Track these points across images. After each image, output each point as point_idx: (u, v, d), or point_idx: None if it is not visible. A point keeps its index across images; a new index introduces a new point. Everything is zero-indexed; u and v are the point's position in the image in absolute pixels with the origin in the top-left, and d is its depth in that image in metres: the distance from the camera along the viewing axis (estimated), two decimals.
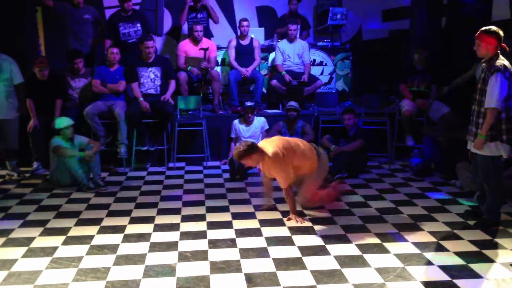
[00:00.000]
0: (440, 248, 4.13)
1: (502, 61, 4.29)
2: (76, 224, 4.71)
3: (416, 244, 4.19)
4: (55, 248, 4.14)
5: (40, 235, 4.45)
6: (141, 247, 4.15)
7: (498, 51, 4.33)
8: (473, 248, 4.12)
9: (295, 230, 4.50)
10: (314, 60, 8.37)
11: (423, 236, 4.38)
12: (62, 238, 4.37)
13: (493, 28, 4.30)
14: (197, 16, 7.97)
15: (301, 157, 4.80)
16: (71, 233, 4.50)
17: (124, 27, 7.39)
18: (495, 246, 4.16)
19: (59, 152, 5.78)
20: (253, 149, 4.60)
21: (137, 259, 3.93)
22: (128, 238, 4.35)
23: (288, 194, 4.78)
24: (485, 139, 4.33)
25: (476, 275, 3.63)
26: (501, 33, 4.29)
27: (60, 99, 6.60)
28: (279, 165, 4.64)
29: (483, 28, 4.34)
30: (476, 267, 3.76)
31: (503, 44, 4.31)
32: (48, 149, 6.02)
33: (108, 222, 4.77)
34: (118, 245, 4.20)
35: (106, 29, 7.53)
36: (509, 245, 4.13)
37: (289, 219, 4.77)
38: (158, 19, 8.27)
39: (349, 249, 4.10)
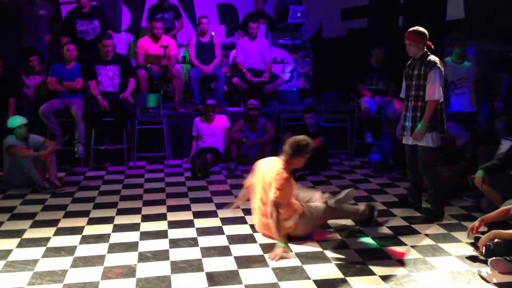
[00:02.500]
0: (398, 242, 4.21)
1: (433, 57, 4.58)
2: (32, 226, 4.57)
3: (375, 239, 4.27)
4: (9, 251, 4.00)
5: None
6: (99, 248, 4.06)
7: (426, 49, 4.61)
8: (430, 242, 4.22)
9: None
10: (275, 58, 8.40)
11: (382, 231, 4.47)
12: (16, 240, 4.23)
13: (420, 28, 4.59)
14: (163, 17, 7.85)
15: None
16: (26, 235, 4.35)
17: (81, 24, 7.22)
18: (451, 239, 4.28)
19: (13, 152, 5.59)
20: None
21: (96, 260, 3.84)
22: (86, 240, 4.25)
23: (276, 211, 3.95)
24: (425, 129, 4.54)
25: (433, 268, 3.73)
26: (427, 32, 4.57)
27: (13, 97, 6.40)
28: (281, 179, 3.99)
29: (412, 29, 4.61)
30: (432, 260, 3.86)
31: (428, 42, 4.59)
32: (1, 149, 5.82)
33: (65, 223, 4.65)
34: (75, 246, 4.10)
35: (63, 25, 7.34)
36: (464, 238, 4.26)
37: (277, 257, 3.85)
38: (116, 15, 8.12)
39: (311, 245, 4.13)
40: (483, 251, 3.77)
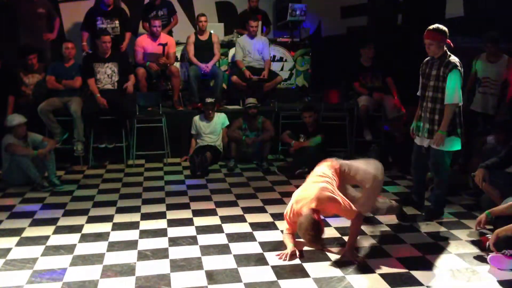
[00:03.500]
0: (397, 240, 4.21)
1: (453, 57, 4.43)
2: (31, 225, 4.57)
3: (374, 237, 4.27)
4: (8, 250, 4.00)
5: None
6: (99, 247, 4.06)
7: (446, 48, 4.46)
8: (429, 240, 4.23)
9: (256, 226, 4.50)
10: (274, 56, 8.39)
11: (381, 229, 4.47)
12: (16, 239, 4.22)
13: (440, 26, 4.42)
14: (157, 14, 7.82)
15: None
16: (26, 233, 4.35)
17: (101, 22, 7.21)
18: (450, 237, 4.28)
19: (12, 150, 5.58)
20: (317, 224, 3.68)
21: (95, 259, 3.83)
22: (85, 238, 4.25)
23: (359, 221, 3.89)
24: (446, 134, 4.42)
25: (433, 267, 3.73)
26: (447, 30, 4.42)
27: (12, 95, 6.39)
28: (335, 200, 3.78)
29: (432, 27, 4.42)
30: (432, 258, 3.86)
31: (448, 40, 4.44)
32: (0, 148, 5.81)
33: (64, 221, 4.64)
34: (75, 245, 4.10)
35: (84, 21, 7.34)
36: (464, 236, 4.26)
37: (345, 256, 3.83)
38: None
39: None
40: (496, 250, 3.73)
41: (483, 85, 6.08)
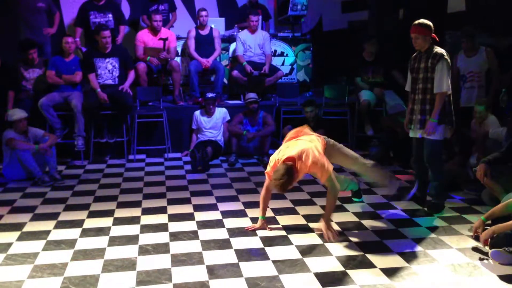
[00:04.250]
0: (398, 235, 4.21)
1: (439, 49, 4.54)
2: (32, 219, 4.57)
3: (376, 232, 4.27)
4: (9, 244, 4.00)
5: None
6: (100, 241, 4.06)
7: (432, 41, 4.57)
8: (431, 234, 4.22)
9: (256, 221, 4.49)
10: (275, 51, 8.37)
11: (383, 224, 4.46)
12: (16, 233, 4.23)
13: (426, 20, 4.53)
14: (158, 9, 7.80)
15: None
16: (26, 228, 4.35)
17: (94, 16, 7.20)
18: (451, 232, 4.27)
19: (13, 145, 5.58)
20: (292, 171, 3.84)
21: (96, 253, 3.83)
22: (86, 233, 4.25)
23: (333, 191, 4.07)
24: (436, 122, 4.50)
25: (433, 261, 3.73)
26: (431, 24, 4.52)
27: (13, 90, 6.39)
28: (319, 162, 3.95)
29: (417, 22, 4.54)
30: (433, 252, 3.86)
31: (433, 34, 4.53)
32: (0, 142, 5.80)
33: (65, 216, 4.64)
34: (76, 240, 4.10)
35: (77, 17, 7.33)
36: (465, 231, 4.26)
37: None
38: None
39: (311, 238, 4.13)
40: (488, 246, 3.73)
41: (469, 79, 6.07)
